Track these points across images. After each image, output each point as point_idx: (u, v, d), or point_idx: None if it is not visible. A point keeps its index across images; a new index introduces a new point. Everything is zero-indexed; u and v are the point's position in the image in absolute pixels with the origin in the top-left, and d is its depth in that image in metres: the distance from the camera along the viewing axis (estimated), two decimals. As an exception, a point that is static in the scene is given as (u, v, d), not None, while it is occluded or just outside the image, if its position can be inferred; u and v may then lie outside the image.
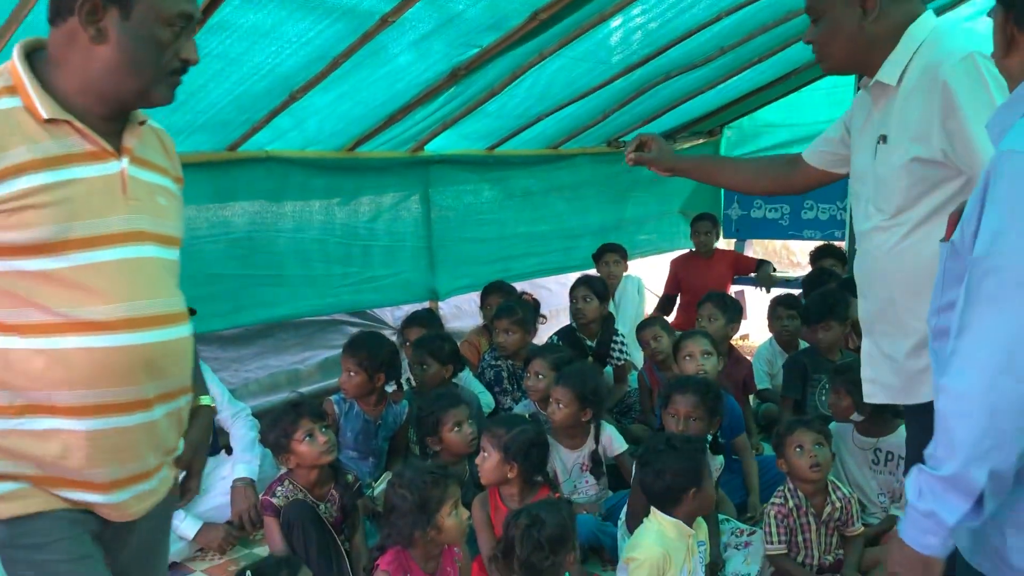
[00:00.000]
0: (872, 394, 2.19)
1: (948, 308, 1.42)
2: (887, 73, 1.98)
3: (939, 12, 5.39)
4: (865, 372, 2.21)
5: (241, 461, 3.45)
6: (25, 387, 1.45)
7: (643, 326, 4.44)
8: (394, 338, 4.71)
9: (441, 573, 2.51)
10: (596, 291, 4.56)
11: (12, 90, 1.45)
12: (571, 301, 4.63)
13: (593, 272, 5.29)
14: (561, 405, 3.25)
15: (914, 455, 2.23)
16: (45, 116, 1.45)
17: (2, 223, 1.40)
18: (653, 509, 2.58)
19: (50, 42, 1.51)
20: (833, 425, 3.27)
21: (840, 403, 3.25)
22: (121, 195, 1.53)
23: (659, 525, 2.54)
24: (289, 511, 2.82)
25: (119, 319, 1.49)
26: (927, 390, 1.93)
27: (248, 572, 2.17)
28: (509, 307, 4.28)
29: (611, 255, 5.33)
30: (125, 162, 1.55)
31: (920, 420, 2.05)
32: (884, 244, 2.04)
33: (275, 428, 2.91)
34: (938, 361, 1.47)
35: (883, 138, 2.02)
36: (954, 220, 1.44)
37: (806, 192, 2.52)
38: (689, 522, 2.57)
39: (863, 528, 2.98)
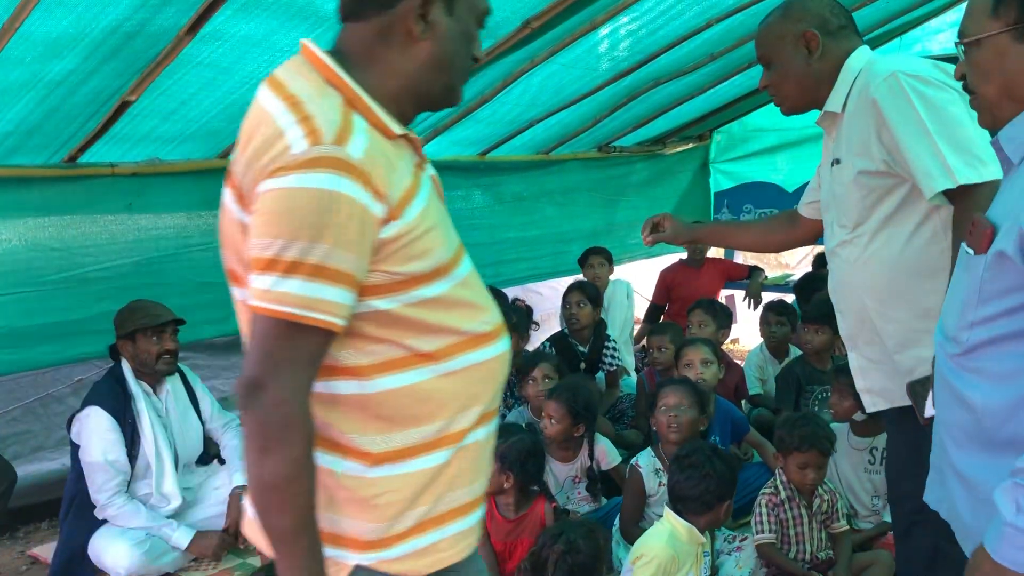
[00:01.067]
0: (873, 403, 2.25)
1: (983, 322, 1.41)
2: (833, 103, 2.15)
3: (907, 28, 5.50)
4: (860, 384, 2.26)
5: (238, 469, 3.45)
6: (436, 416, 1.34)
7: (654, 332, 4.46)
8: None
9: None
10: (589, 296, 4.56)
11: (351, 104, 1.27)
12: (564, 307, 4.63)
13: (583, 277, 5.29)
14: (554, 420, 3.25)
15: (896, 460, 2.27)
16: (397, 133, 1.31)
17: (410, 252, 1.27)
18: (667, 511, 2.60)
19: (350, 40, 1.35)
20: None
21: (842, 403, 3.25)
22: (440, 202, 1.42)
23: (672, 527, 2.55)
24: None
25: (495, 327, 1.44)
26: None
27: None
28: (503, 312, 4.27)
29: (596, 258, 5.33)
30: (430, 167, 1.44)
31: (904, 424, 2.08)
32: (850, 256, 2.17)
33: None
34: (964, 376, 1.46)
35: (836, 161, 2.18)
36: (988, 234, 1.41)
37: (815, 242, 2.69)
38: (703, 531, 2.59)
39: (848, 527, 3.01)
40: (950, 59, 2.02)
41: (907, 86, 1.96)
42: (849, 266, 2.17)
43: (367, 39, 1.33)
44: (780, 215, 2.76)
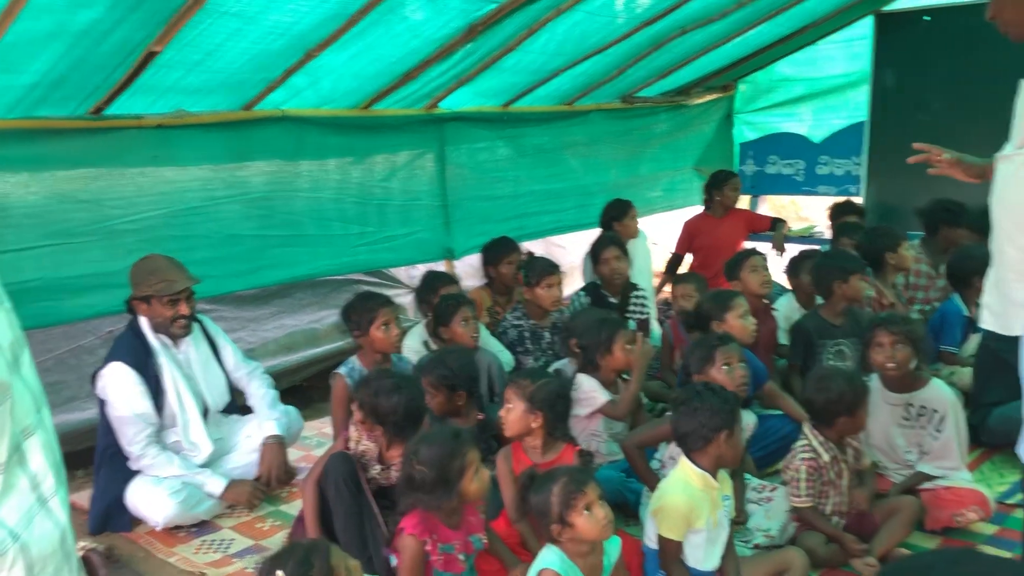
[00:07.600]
0: (984, 319, 2.26)
1: None
2: None
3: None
4: (984, 297, 2.26)
5: (270, 418, 3.49)
6: None
7: (679, 282, 4.44)
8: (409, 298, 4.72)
9: (465, 524, 2.54)
10: (624, 250, 4.57)
11: None
12: (600, 262, 4.56)
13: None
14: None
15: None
16: None
17: None
18: (682, 459, 2.60)
19: None
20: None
21: (895, 355, 3.16)
22: None
23: (685, 475, 2.56)
24: (330, 462, 2.81)
25: None
26: (1017, 324, 2.03)
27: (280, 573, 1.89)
28: (551, 263, 4.29)
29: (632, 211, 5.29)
30: None
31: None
32: (1005, 172, 2.12)
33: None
34: None
35: None
36: None
37: None
38: (714, 473, 2.59)
39: (871, 461, 3.05)
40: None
41: None
42: (999, 182, 2.14)
43: None
44: None
